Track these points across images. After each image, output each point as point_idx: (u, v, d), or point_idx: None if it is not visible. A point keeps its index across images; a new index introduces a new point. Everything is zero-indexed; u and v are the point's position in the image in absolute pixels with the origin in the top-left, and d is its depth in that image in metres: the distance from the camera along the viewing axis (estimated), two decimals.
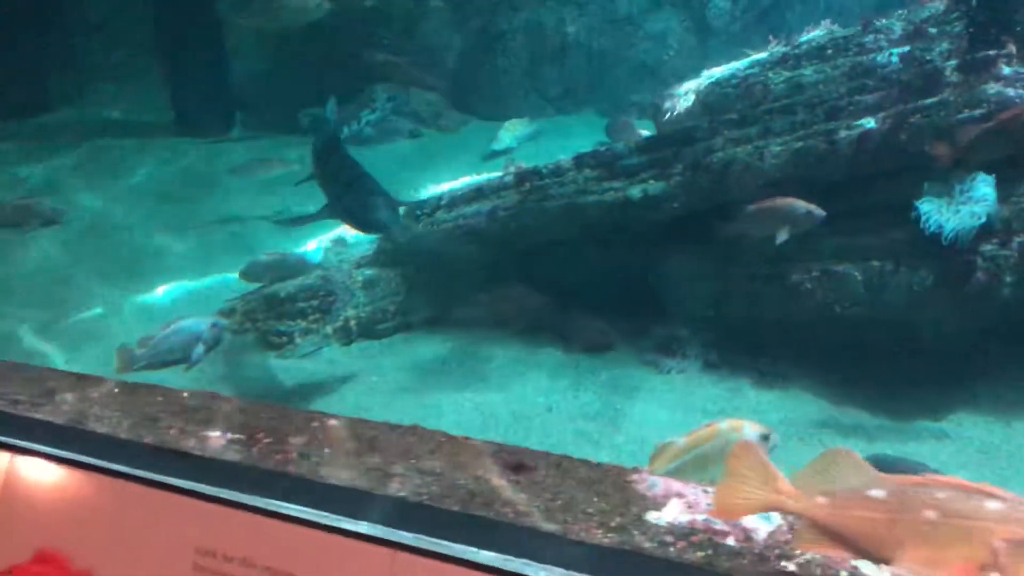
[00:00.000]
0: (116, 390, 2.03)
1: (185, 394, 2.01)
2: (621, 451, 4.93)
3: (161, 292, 6.89)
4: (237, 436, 1.87)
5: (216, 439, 1.86)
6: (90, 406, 1.99)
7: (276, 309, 6.39)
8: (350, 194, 5.67)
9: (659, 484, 1.68)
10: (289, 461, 1.79)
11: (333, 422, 1.92)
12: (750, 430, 3.77)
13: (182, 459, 1.82)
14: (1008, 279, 5.16)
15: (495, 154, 9.07)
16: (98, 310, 6.66)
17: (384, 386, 5.87)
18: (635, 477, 1.70)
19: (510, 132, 9.44)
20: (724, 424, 3.74)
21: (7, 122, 10.13)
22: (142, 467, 1.83)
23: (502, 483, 1.68)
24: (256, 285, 6.71)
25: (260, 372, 5.99)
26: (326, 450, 1.82)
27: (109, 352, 5.93)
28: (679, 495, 1.67)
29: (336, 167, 6.01)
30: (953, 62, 5.77)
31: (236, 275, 6.82)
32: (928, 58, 5.99)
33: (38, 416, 1.97)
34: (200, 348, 5.96)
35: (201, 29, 10.22)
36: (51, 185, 8.84)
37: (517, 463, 1.74)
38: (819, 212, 5.25)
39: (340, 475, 1.73)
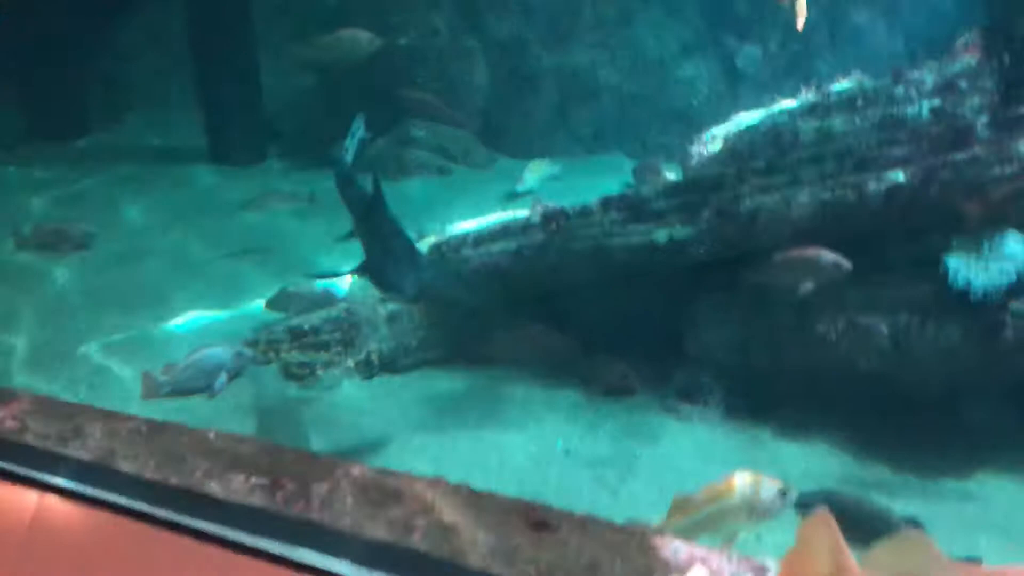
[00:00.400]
0: (144, 428, 2.04)
1: (211, 435, 2.02)
2: (639, 499, 4.90)
3: (187, 319, 6.95)
4: (261, 481, 1.88)
5: (240, 483, 1.87)
6: (117, 444, 2.00)
7: (300, 340, 6.42)
8: (374, 245, 5.54)
9: (683, 550, 1.66)
10: (312, 509, 1.79)
11: (357, 471, 1.92)
12: (768, 485, 3.73)
13: (206, 502, 1.83)
14: None
15: (518, 195, 9.08)
16: (123, 335, 6.72)
17: (403, 422, 5.86)
18: (659, 542, 1.69)
19: (533, 173, 9.49)
20: (742, 478, 3.69)
21: (48, 145, 10.34)
22: (167, 508, 1.85)
23: (524, 541, 1.67)
24: (281, 315, 6.76)
25: (281, 403, 6.01)
26: (349, 499, 1.82)
27: (134, 378, 5.99)
28: (703, 561, 1.65)
29: (367, 211, 5.80)
30: (985, 118, 5.76)
31: (262, 305, 6.88)
32: (959, 113, 5.99)
33: (65, 453, 1.99)
34: (223, 377, 6.01)
35: (237, 59, 10.41)
36: (84, 209, 8.98)
37: (540, 521, 1.74)
38: (846, 264, 5.24)
39: (362, 525, 1.73)
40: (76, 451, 1.99)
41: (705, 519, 3.63)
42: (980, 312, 5.23)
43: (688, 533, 3.62)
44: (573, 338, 6.25)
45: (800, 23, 4.42)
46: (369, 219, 5.70)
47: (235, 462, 1.96)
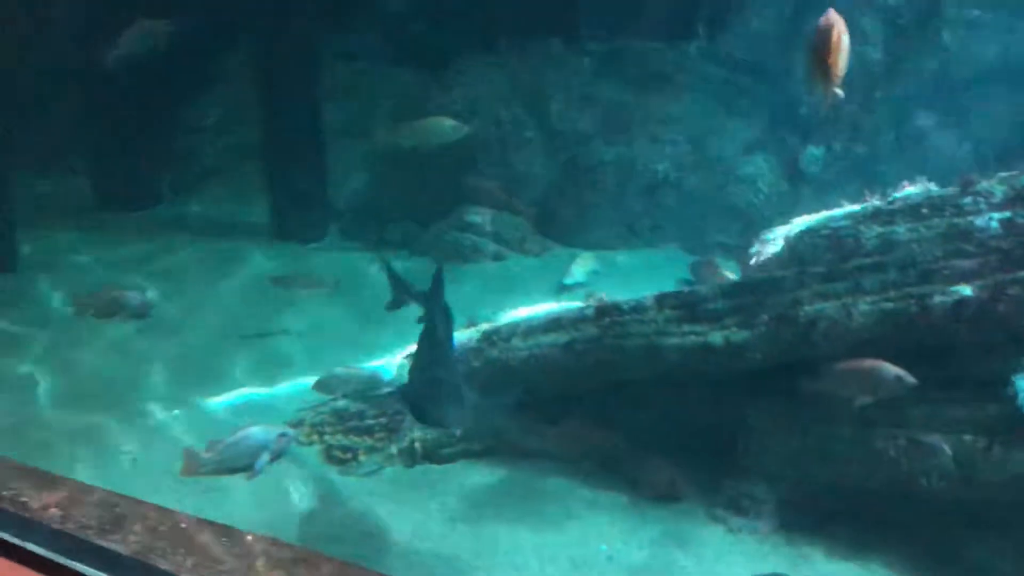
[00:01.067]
0: (184, 525, 2.00)
1: (249, 537, 1.97)
2: None
3: (234, 395, 6.99)
4: None
5: None
6: (157, 539, 1.96)
7: (344, 423, 6.39)
8: (418, 372, 5.15)
9: None
10: None
11: None
12: None
13: None
14: None
15: (566, 287, 9.05)
16: (170, 410, 6.77)
17: (442, 514, 5.75)
18: None
19: (581, 267, 9.48)
20: None
21: (118, 215, 10.67)
22: None
23: None
24: (328, 398, 6.75)
25: (321, 487, 5.94)
26: None
27: (177, 452, 6.00)
28: None
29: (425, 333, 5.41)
30: None
31: (310, 384, 6.89)
32: None
33: (104, 544, 1.96)
34: (265, 457, 5.98)
35: (305, 140, 10.70)
36: (145, 278, 9.18)
37: None
38: (910, 379, 5.06)
39: None
40: (115, 544, 1.96)
41: None
42: None
43: None
44: (621, 437, 6.11)
45: (829, 100, 4.39)
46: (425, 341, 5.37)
47: (271, 566, 1.90)
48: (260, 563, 1.90)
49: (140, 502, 2.18)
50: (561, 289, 8.93)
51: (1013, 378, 5.15)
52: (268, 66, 10.60)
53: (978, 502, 5.20)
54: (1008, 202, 6.25)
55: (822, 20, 5.10)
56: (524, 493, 5.99)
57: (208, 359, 7.62)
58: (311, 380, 6.97)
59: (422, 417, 4.85)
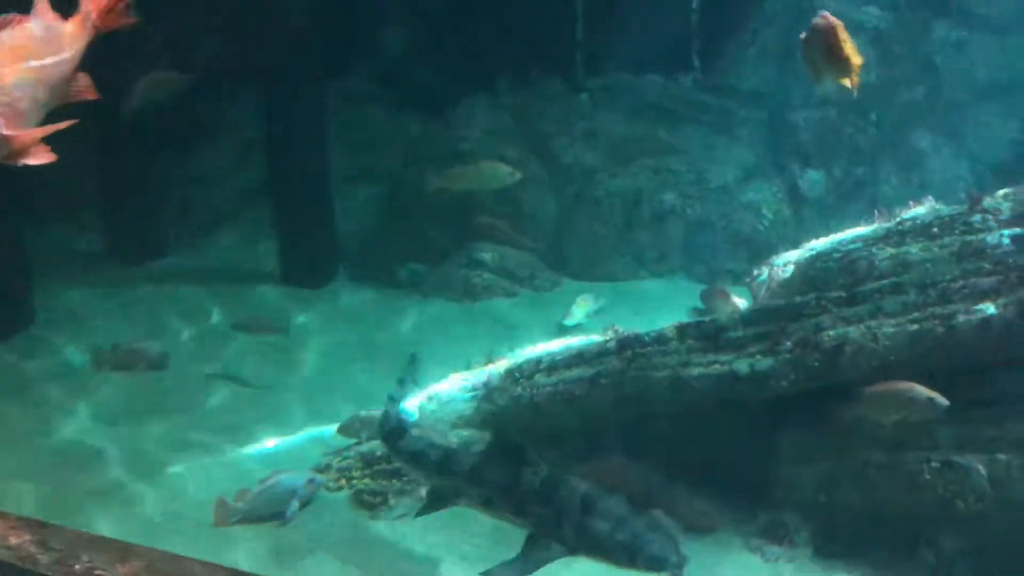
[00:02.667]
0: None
1: None
2: None
3: (261, 444, 6.96)
4: None
5: None
6: None
7: (371, 467, 6.35)
8: None
9: None
10: None
11: None
12: None
13: None
14: None
15: (567, 329, 8.96)
16: (196, 460, 6.73)
17: (475, 556, 5.69)
18: None
19: (581, 308, 9.40)
20: None
21: (125, 268, 10.66)
22: None
23: None
24: (353, 441, 6.72)
25: (351, 533, 5.89)
26: None
27: (207, 504, 5.95)
28: None
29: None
30: None
31: (333, 429, 6.86)
32: None
33: None
34: (295, 505, 5.94)
35: (311, 186, 10.74)
36: (159, 329, 9.16)
37: None
38: (942, 401, 5.05)
39: None
40: None
41: None
42: None
43: None
44: (651, 470, 6.07)
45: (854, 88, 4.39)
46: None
47: None
48: None
49: (218, 568, 2.16)
50: (562, 331, 8.86)
51: None
52: (273, 111, 10.65)
53: (1017, 523, 5.17)
54: (1016, 218, 6.30)
55: (821, 20, 5.11)
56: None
57: (227, 408, 7.58)
58: (333, 426, 6.94)
59: (648, 560, 4.24)
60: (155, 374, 8.11)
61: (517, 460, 4.59)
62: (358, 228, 11.33)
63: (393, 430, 5.36)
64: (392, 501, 6.13)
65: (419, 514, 5.22)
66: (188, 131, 11.76)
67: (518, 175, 8.97)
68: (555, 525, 4.35)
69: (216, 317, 9.54)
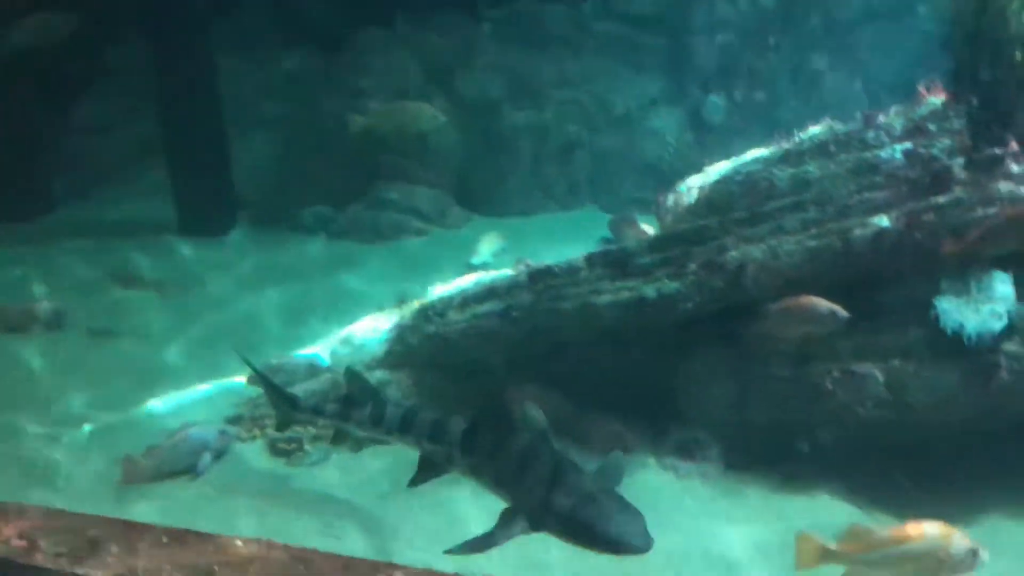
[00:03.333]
0: (165, 539, 1.91)
1: (239, 542, 1.89)
2: (648, 565, 4.74)
3: (165, 399, 6.76)
4: None
5: None
6: (137, 559, 1.86)
7: None
8: None
9: None
10: None
11: (400, 573, 1.80)
12: (959, 542, 3.78)
13: None
14: None
15: (474, 268, 8.91)
16: (101, 419, 6.50)
17: (397, 494, 5.67)
18: None
19: (487, 246, 9.33)
20: (932, 529, 3.80)
21: (12, 224, 10.13)
22: None
23: None
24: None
25: (269, 482, 5.80)
26: None
27: (115, 462, 5.77)
28: None
29: None
30: (960, 160, 5.84)
31: (243, 380, 6.71)
32: (934, 155, 6.07)
33: (81, 572, 1.85)
34: (207, 457, 5.82)
35: (204, 131, 10.33)
36: (53, 289, 8.76)
37: None
38: (842, 313, 5.22)
39: None
40: (93, 570, 1.85)
41: (887, 558, 3.73)
42: (974, 355, 5.22)
43: (870, 567, 3.83)
44: (566, 398, 6.14)
45: None
46: None
47: (267, 572, 1.83)
48: (255, 569, 1.83)
49: (112, 521, 2.07)
50: (469, 269, 8.82)
51: (934, 301, 5.36)
52: (159, 56, 10.16)
53: (912, 426, 5.41)
54: (909, 133, 6.50)
55: None
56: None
57: (131, 365, 7.34)
58: (243, 376, 6.79)
59: (609, 543, 3.94)
60: (52, 334, 7.77)
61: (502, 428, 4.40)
62: (258, 173, 11.00)
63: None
64: (308, 447, 6.06)
65: (410, 484, 4.86)
66: (73, 77, 11.13)
67: (442, 118, 8.77)
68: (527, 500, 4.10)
69: (109, 273, 9.15)
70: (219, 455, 5.91)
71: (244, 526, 5.02)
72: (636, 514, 3.89)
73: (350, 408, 5.12)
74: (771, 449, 5.79)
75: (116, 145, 11.45)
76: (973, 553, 3.80)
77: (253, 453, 6.08)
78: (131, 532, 1.95)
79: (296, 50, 11.60)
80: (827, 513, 5.36)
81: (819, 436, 5.65)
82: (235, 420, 6.37)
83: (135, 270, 9.19)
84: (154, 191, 10.70)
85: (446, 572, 1.80)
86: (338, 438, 5.75)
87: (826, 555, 3.94)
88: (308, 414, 5.44)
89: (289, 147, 11.10)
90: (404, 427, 4.87)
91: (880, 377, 5.46)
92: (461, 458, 4.58)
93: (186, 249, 9.86)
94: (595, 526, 3.89)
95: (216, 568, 1.84)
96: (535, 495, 4.04)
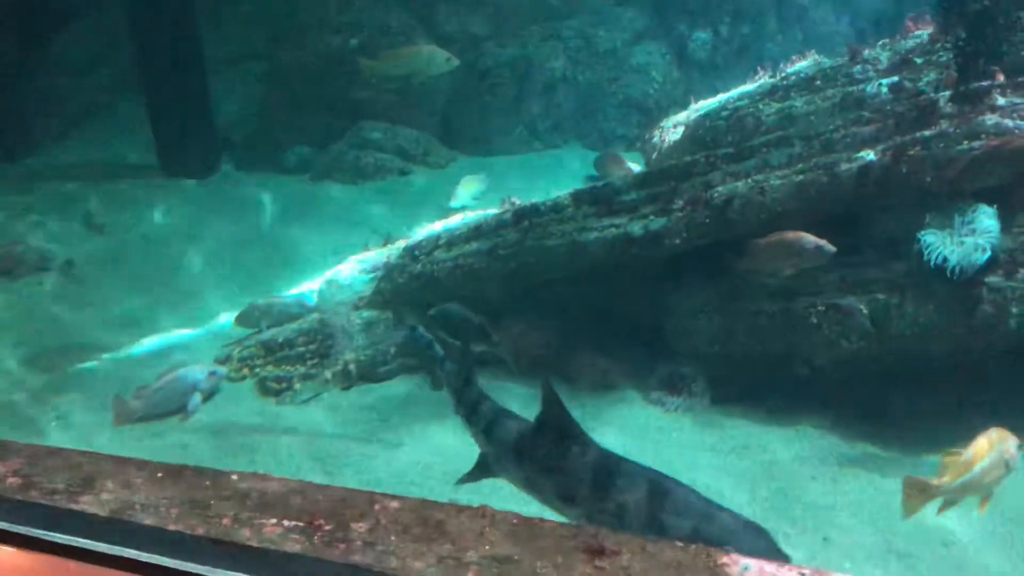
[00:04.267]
0: (160, 474, 1.92)
1: (234, 476, 1.91)
2: None
3: (156, 339, 6.75)
4: (295, 523, 1.77)
5: (272, 527, 1.76)
6: (134, 493, 1.88)
7: (274, 354, 6.27)
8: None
9: (752, 567, 1.60)
10: (354, 550, 1.70)
11: (396, 504, 1.82)
12: (1013, 443, 4.11)
13: (237, 551, 1.73)
14: (1014, 310, 5.16)
15: (452, 211, 8.75)
16: (93, 360, 6.50)
17: (387, 432, 5.74)
18: (726, 560, 1.62)
19: (466, 189, 9.20)
20: (993, 435, 4.07)
21: None
22: (194, 561, 1.74)
23: (587, 571, 1.59)
24: (252, 330, 6.59)
25: (260, 420, 5.85)
26: (392, 537, 1.72)
27: (106, 403, 5.79)
28: None
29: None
30: (946, 93, 5.81)
31: (231, 320, 6.71)
32: (920, 89, 6.04)
33: (78, 508, 1.86)
34: (197, 398, 5.84)
35: (184, 70, 10.12)
36: (37, 230, 8.67)
37: (599, 547, 1.66)
38: (829, 247, 5.24)
39: (412, 566, 1.64)
40: (89, 506, 1.86)
41: (976, 477, 3.96)
42: (957, 288, 5.27)
43: (967, 491, 4.03)
44: (554, 335, 6.17)
45: None
46: None
47: (264, 504, 1.85)
48: (252, 501, 1.85)
49: (107, 457, 2.08)
50: (448, 213, 8.73)
51: (918, 235, 5.38)
52: None
53: (896, 357, 5.48)
54: (894, 67, 6.47)
55: None
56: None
57: (122, 305, 7.31)
58: (231, 316, 6.79)
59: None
60: (38, 276, 7.71)
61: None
62: (240, 114, 10.83)
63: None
64: (298, 386, 6.10)
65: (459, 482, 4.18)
66: (44, 14, 10.85)
67: (456, 61, 8.55)
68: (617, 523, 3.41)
69: (99, 214, 9.05)
70: (209, 395, 5.94)
71: (236, 464, 5.06)
72: (760, 530, 3.35)
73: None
74: (757, 383, 5.86)
75: (96, 84, 11.22)
76: (1019, 446, 4.13)
77: (243, 393, 6.11)
78: (126, 467, 1.96)
79: None
80: (811, 444, 5.46)
81: (804, 369, 5.72)
82: (224, 360, 6.37)
83: (119, 212, 9.08)
84: (135, 131, 10.52)
85: (440, 501, 1.83)
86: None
87: (931, 492, 4.05)
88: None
89: (272, 87, 10.91)
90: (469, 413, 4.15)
91: (864, 310, 5.50)
92: (515, 468, 3.82)
93: (169, 190, 9.75)
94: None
95: (212, 502, 1.86)
96: (637, 518, 3.32)
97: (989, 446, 4.04)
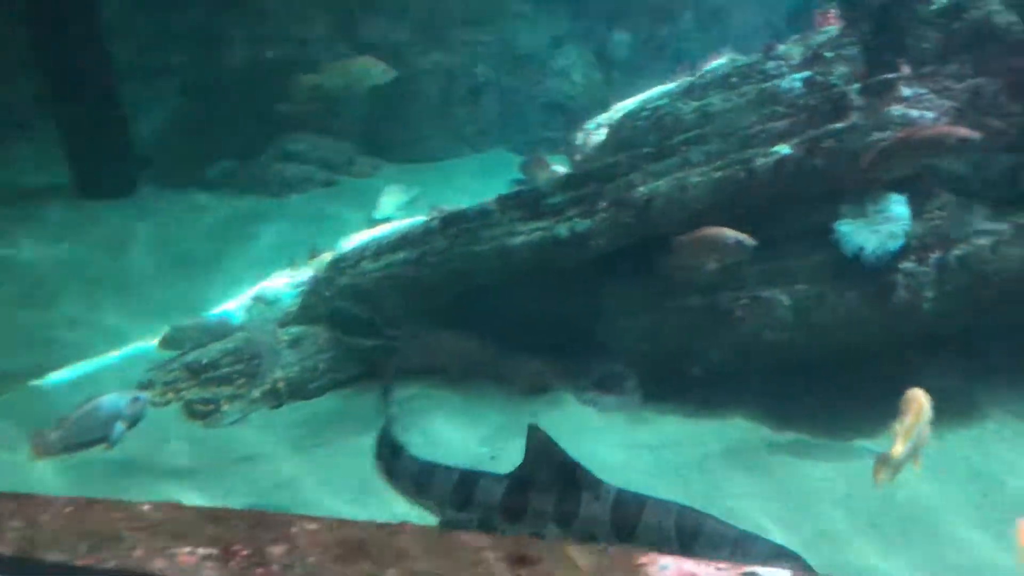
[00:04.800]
0: (69, 509, 1.85)
1: (147, 506, 1.85)
2: None
3: (74, 368, 6.53)
4: (210, 551, 1.73)
5: (187, 557, 1.71)
6: (39, 531, 1.81)
7: (199, 377, 6.13)
8: None
9: (670, 566, 1.61)
10: (272, 575, 1.66)
11: (314, 525, 1.79)
12: (926, 399, 4.38)
13: None
14: (929, 294, 5.33)
15: (377, 222, 8.68)
16: (7, 391, 6.26)
17: (321, 450, 5.66)
18: (644, 560, 1.63)
19: (391, 199, 9.13)
20: (916, 395, 4.40)
21: None
22: None
23: None
24: (176, 353, 6.43)
25: (187, 446, 5.70)
26: (311, 559, 1.69)
27: (22, 436, 5.58)
28: (692, 574, 1.61)
29: None
30: (856, 86, 5.98)
31: (155, 344, 6.53)
32: (831, 82, 6.20)
33: None
34: (120, 426, 5.67)
35: (95, 86, 9.84)
36: None
37: (520, 556, 1.66)
38: (749, 241, 5.33)
39: None
40: None
41: (920, 439, 4.31)
42: (873, 275, 5.42)
43: (914, 452, 4.34)
44: (486, 340, 6.17)
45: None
46: None
47: (178, 533, 1.80)
48: (166, 530, 1.80)
49: (11, 496, 2.00)
50: (372, 224, 8.64)
51: (834, 225, 5.52)
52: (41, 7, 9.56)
53: (818, 346, 5.60)
54: (807, 62, 6.63)
55: None
56: (400, 413, 5.96)
57: (38, 333, 7.05)
58: (153, 340, 6.61)
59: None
60: None
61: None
62: (160, 130, 10.57)
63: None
64: (226, 407, 5.97)
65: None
66: None
67: (393, 72, 8.47)
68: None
69: (9, 238, 8.73)
70: (133, 422, 5.76)
71: (164, 492, 4.94)
72: (794, 557, 3.25)
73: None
74: (687, 377, 5.93)
75: (11, 101, 10.81)
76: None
77: (169, 418, 5.95)
78: (31, 505, 1.89)
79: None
80: (742, 435, 5.55)
81: (731, 362, 5.82)
82: (148, 385, 6.20)
83: (32, 235, 8.77)
84: (49, 152, 10.18)
85: (359, 520, 1.80)
86: None
87: (893, 462, 4.28)
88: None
89: (191, 101, 10.68)
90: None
91: (786, 301, 5.62)
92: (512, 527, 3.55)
93: (84, 211, 9.46)
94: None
95: (125, 533, 1.80)
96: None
97: (919, 407, 4.35)
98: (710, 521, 3.20)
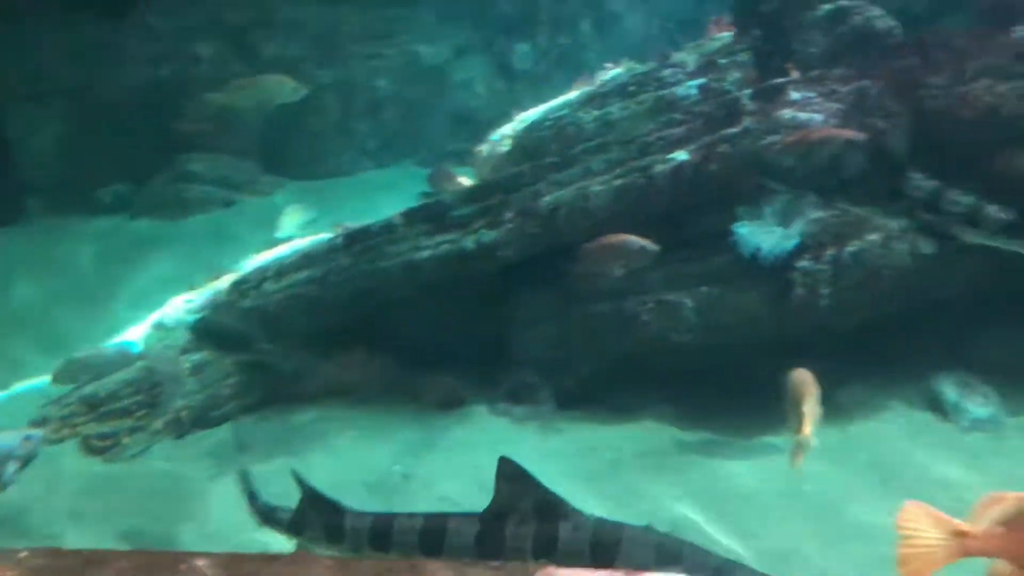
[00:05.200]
0: None
1: (23, 552, 1.75)
2: None
3: None
4: None
5: None
6: None
7: (97, 410, 5.87)
8: None
9: None
10: None
11: (204, 561, 1.72)
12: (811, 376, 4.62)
13: None
14: (825, 291, 5.50)
15: (279, 242, 8.15)
16: None
17: (224, 474, 5.47)
18: (539, 575, 1.62)
19: (291, 219, 8.85)
20: (802, 375, 4.62)
21: None
22: None
23: None
24: (72, 387, 6.14)
25: (86, 483, 5.44)
26: None
27: None
28: None
29: None
30: (748, 91, 6.14)
31: (48, 379, 6.23)
32: (725, 88, 6.36)
33: None
34: (11, 466, 5.35)
35: None
36: None
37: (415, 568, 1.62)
38: (652, 247, 5.42)
39: None
40: None
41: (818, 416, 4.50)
42: (772, 275, 5.56)
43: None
44: (396, 357, 6.09)
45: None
46: None
47: None
48: None
49: None
50: (273, 244, 8.41)
51: (733, 228, 5.65)
52: None
53: (723, 347, 5.72)
54: (701, 69, 6.79)
55: None
56: (310, 435, 5.85)
57: None
58: (46, 376, 6.31)
59: None
60: None
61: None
62: (47, 154, 10.12)
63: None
64: (126, 440, 5.73)
65: None
66: None
67: (303, 90, 8.24)
68: None
69: None
70: (26, 462, 5.45)
71: (58, 535, 4.70)
72: None
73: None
74: (598, 384, 5.98)
75: None
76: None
77: (65, 455, 5.68)
78: None
79: (81, 16, 10.66)
80: (652, 437, 5.62)
81: (640, 365, 5.89)
82: (41, 423, 5.91)
83: None
84: None
85: (252, 553, 1.73)
86: None
87: (804, 442, 4.45)
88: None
89: (80, 123, 10.27)
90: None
91: (690, 303, 5.73)
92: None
93: None
94: None
95: None
96: None
97: (810, 385, 4.60)
98: (688, 547, 3.11)
